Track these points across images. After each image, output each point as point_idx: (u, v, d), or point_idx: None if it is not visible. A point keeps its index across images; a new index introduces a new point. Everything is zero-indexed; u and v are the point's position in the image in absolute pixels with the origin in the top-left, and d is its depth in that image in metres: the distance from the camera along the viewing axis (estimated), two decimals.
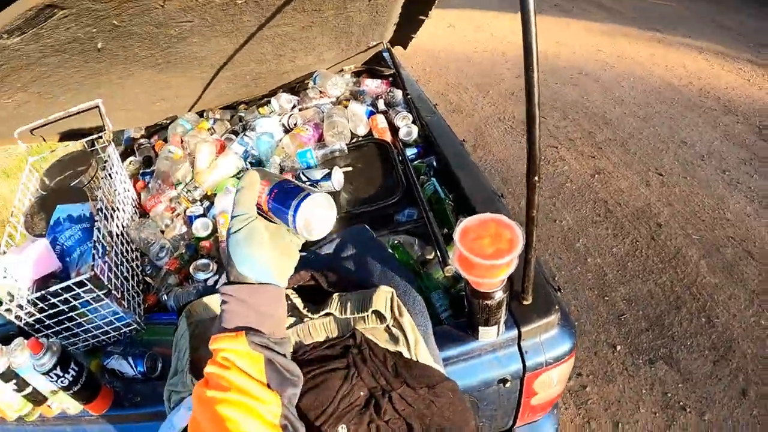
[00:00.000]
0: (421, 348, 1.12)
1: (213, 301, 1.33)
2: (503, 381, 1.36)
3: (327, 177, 1.84)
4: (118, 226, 1.75)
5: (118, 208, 1.82)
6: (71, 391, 1.25)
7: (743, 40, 6.16)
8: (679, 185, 3.99)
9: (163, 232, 1.97)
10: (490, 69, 6.04)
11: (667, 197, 3.88)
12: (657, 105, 5.06)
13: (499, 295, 1.13)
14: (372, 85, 2.60)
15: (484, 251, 1.02)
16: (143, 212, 2.13)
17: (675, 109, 4.98)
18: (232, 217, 0.78)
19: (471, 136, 4.83)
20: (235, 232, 0.76)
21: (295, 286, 1.32)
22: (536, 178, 1.01)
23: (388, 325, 1.13)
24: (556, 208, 3.88)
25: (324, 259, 1.40)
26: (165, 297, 1.68)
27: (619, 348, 2.85)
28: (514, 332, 1.33)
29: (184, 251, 1.84)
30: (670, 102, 5.09)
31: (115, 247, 1.61)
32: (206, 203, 2.06)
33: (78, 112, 1.88)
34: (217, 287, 0.73)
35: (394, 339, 1.11)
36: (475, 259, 1.01)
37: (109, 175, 1.85)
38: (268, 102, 2.59)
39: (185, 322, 1.26)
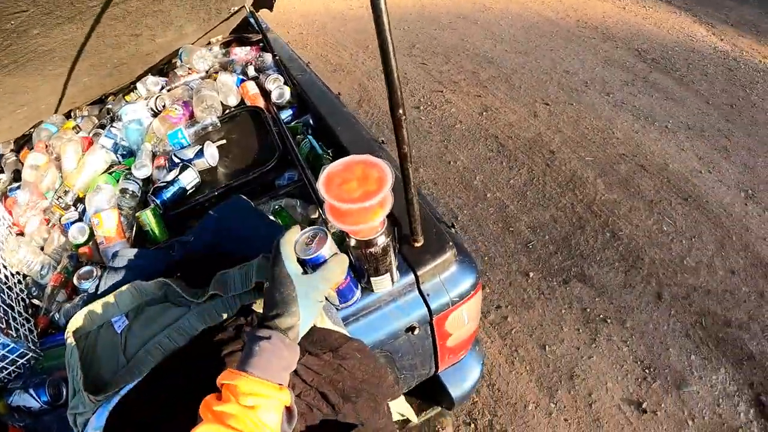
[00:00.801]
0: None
1: (97, 309, 1.25)
2: (411, 329, 1.33)
3: (200, 154, 1.75)
4: None
5: None
6: None
7: None
8: (567, 112, 4.15)
9: (42, 247, 1.83)
10: (367, 23, 5.87)
11: (556, 125, 4.02)
12: (536, 39, 5.21)
13: (382, 240, 1.07)
14: (241, 53, 2.50)
15: (352, 195, 0.95)
16: (19, 231, 1.95)
17: (555, 41, 5.16)
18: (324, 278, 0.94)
19: (355, 92, 4.80)
20: (315, 293, 0.91)
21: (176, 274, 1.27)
22: (401, 111, 0.97)
23: None
24: (449, 150, 3.93)
25: (203, 240, 1.34)
26: (57, 316, 1.56)
27: (532, 275, 2.95)
28: (411, 277, 1.29)
29: (67, 263, 1.70)
30: (549, 35, 5.25)
31: None
32: (81, 206, 1.91)
33: None
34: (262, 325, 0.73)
35: None
36: (343, 206, 0.94)
37: None
38: (135, 88, 2.44)
39: (72, 338, 1.19)
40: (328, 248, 0.98)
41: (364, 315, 1.28)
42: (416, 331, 1.33)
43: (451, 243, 1.32)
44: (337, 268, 0.94)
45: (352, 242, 1.08)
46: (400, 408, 1.38)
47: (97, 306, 1.25)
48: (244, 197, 1.42)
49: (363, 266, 1.16)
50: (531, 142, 3.89)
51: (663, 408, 2.37)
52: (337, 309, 1.20)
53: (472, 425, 2.40)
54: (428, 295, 1.31)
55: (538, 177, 3.57)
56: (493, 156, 3.81)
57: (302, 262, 0.97)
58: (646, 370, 2.50)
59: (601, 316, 2.73)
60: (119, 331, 1.22)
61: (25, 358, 1.40)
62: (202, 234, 1.36)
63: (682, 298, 2.77)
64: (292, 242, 0.93)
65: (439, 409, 1.84)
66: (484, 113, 4.27)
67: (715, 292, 2.79)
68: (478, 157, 3.82)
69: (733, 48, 4.85)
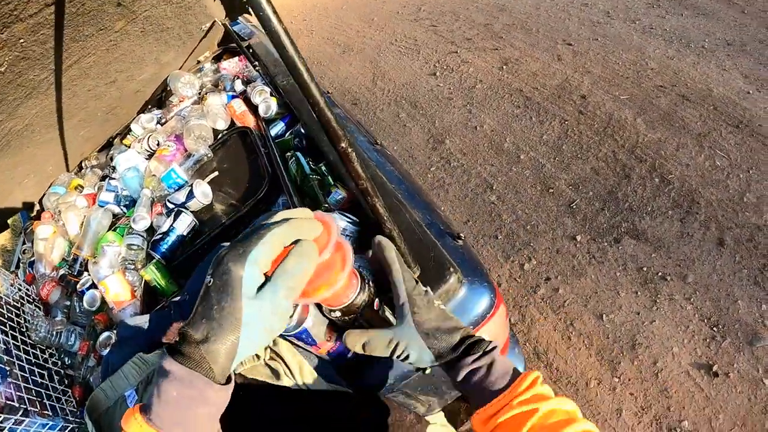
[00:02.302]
0: (307, 373, 1.00)
1: (109, 386, 1.21)
2: (422, 369, 1.18)
3: (190, 195, 1.66)
4: (14, 338, 1.60)
5: (11, 318, 1.67)
6: None
7: None
8: (592, 49, 3.88)
9: (68, 316, 1.82)
10: None
11: (583, 65, 3.76)
12: None
13: (362, 298, 0.87)
14: (230, 66, 2.39)
15: None
16: (45, 302, 1.94)
17: None
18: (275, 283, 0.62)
19: (368, 70, 4.65)
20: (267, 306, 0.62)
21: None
22: (343, 144, 0.81)
23: (264, 360, 1.00)
24: (472, 114, 3.73)
25: (196, 296, 1.25)
26: (91, 381, 1.57)
27: (579, 238, 2.75)
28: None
29: (93, 327, 1.70)
30: None
31: (17, 361, 1.49)
32: (92, 271, 1.90)
33: None
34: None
35: (275, 373, 0.99)
36: None
37: None
38: (130, 130, 2.37)
39: (89, 420, 1.16)
40: (313, 317, 0.86)
41: (368, 362, 1.09)
42: (428, 370, 1.17)
43: (452, 267, 1.11)
44: (302, 268, 0.63)
45: (334, 314, 0.90)
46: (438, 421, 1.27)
47: (109, 383, 1.22)
48: (226, 244, 1.32)
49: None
50: (559, 89, 3.64)
51: (735, 368, 2.15)
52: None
53: None
54: None
55: (572, 127, 3.32)
56: (521, 112, 3.58)
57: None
58: (714, 329, 2.28)
59: (660, 273, 2.50)
60: (132, 406, 1.18)
61: (67, 430, 1.40)
62: (195, 290, 1.27)
63: (747, 241, 2.50)
64: (274, 246, 0.62)
65: None
66: (504, 67, 4.03)
67: None
68: (506, 117, 3.60)
69: None
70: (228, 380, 0.62)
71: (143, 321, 1.35)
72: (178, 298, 1.33)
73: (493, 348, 0.77)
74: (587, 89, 3.55)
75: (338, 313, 0.87)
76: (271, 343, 1.00)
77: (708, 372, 2.16)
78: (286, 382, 0.96)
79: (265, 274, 0.62)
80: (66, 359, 1.71)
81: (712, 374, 2.15)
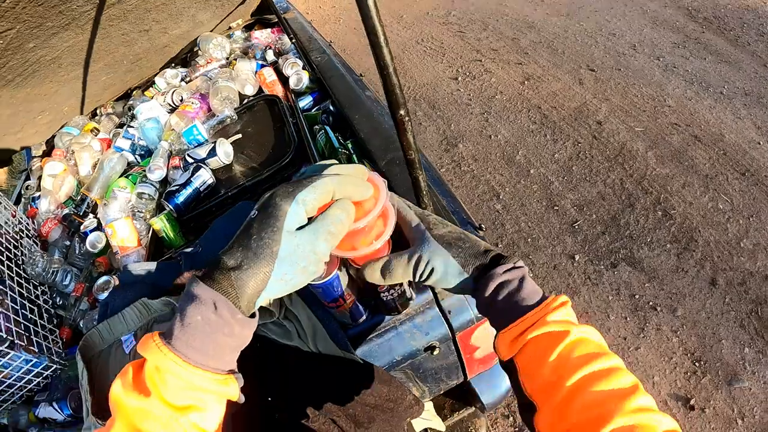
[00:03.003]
0: (320, 337, 1.00)
1: (106, 328, 1.20)
2: (430, 348, 1.20)
3: (212, 153, 1.65)
4: (10, 268, 1.57)
5: (8, 248, 1.64)
6: None
7: None
8: (614, 78, 3.89)
9: (66, 255, 1.80)
10: None
11: (603, 93, 3.77)
12: (579, 0, 4.91)
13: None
14: (261, 36, 2.40)
15: None
16: (43, 239, 1.93)
17: (599, 2, 4.86)
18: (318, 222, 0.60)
19: None
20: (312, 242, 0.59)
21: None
22: (402, 112, 0.81)
23: (278, 318, 1.00)
24: (489, 123, 3.74)
25: (211, 252, 1.25)
26: (81, 324, 1.54)
27: (577, 257, 2.77)
28: (429, 294, 1.15)
29: (90, 270, 1.69)
30: None
31: (9, 292, 1.46)
32: (100, 213, 1.88)
33: None
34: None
35: (288, 334, 0.99)
36: None
37: None
38: (154, 83, 2.37)
39: (81, 359, 1.14)
40: (338, 277, 0.86)
41: (379, 335, 1.14)
42: (436, 351, 1.19)
43: None
44: (343, 221, 0.61)
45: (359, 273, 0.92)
46: (427, 419, 1.28)
47: (106, 325, 1.20)
48: (250, 202, 1.32)
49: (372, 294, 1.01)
50: (576, 112, 3.65)
51: (712, 405, 2.18)
52: (349, 328, 1.08)
53: (511, 418, 2.29)
54: (449, 312, 1.16)
55: (584, 150, 3.34)
56: (537, 128, 3.59)
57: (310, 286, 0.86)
58: (696, 363, 2.31)
59: (651, 303, 2.53)
60: (128, 351, 1.18)
61: (50, 370, 1.41)
62: (210, 244, 1.26)
63: (738, 284, 2.53)
64: (323, 194, 0.60)
65: (473, 409, 1.73)
66: (526, 82, 4.04)
67: None
68: (521, 130, 3.61)
69: None
70: (252, 316, 0.59)
71: (149, 268, 1.34)
72: (190, 249, 1.32)
73: (521, 265, 0.71)
74: (604, 116, 3.56)
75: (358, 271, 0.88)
76: (288, 303, 0.99)
77: (685, 404, 2.19)
78: (297, 342, 0.96)
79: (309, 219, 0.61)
80: (58, 299, 1.68)
81: (689, 407, 2.18)
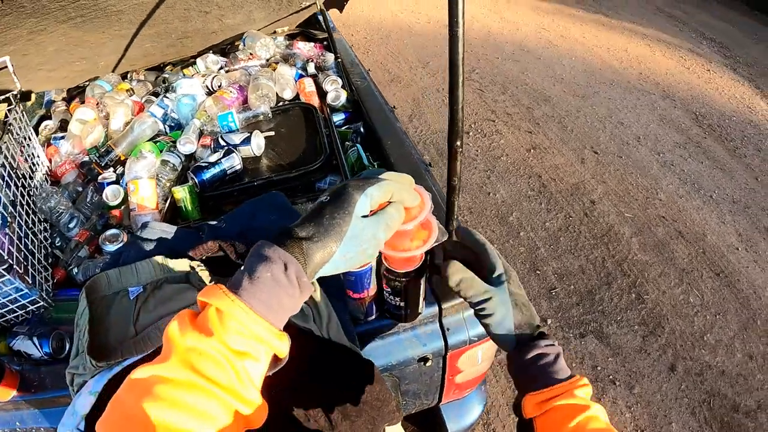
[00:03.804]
0: (333, 325, 1.07)
1: (116, 276, 1.23)
2: (424, 359, 1.30)
3: (246, 141, 1.74)
4: (22, 196, 1.60)
5: (23, 175, 1.67)
6: None
7: (686, 29, 6.37)
8: (614, 164, 4.07)
9: (74, 201, 1.81)
10: (431, 40, 5.98)
11: (601, 175, 3.94)
12: (596, 85, 5.14)
13: (417, 274, 0.97)
14: (304, 48, 2.50)
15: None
16: (55, 180, 1.96)
17: (614, 90, 5.08)
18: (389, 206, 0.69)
19: (408, 106, 4.77)
20: (380, 223, 0.67)
21: (203, 258, 1.24)
22: (458, 143, 0.92)
23: None
24: (490, 181, 3.89)
25: (234, 229, 1.32)
26: (75, 271, 1.55)
27: (549, 321, 2.89)
28: (435, 309, 1.26)
29: (96, 221, 1.70)
30: (609, 83, 5.18)
31: (18, 217, 1.48)
32: (120, 169, 1.92)
33: None
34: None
35: (305, 315, 1.05)
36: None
37: (14, 139, 1.69)
38: (194, 63, 2.46)
39: (85, 299, 1.17)
40: (371, 269, 0.95)
41: (381, 337, 1.25)
42: (428, 363, 1.30)
43: None
44: (398, 217, 0.70)
45: (387, 273, 1.02)
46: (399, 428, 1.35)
47: (117, 272, 1.23)
48: (282, 194, 1.40)
49: (390, 294, 1.11)
50: (573, 188, 3.82)
51: None
52: (355, 324, 1.17)
53: None
54: (448, 329, 1.28)
55: (574, 225, 3.50)
56: (534, 195, 3.75)
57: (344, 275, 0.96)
58: None
59: (611, 377, 2.66)
60: (134, 302, 1.21)
61: (35, 306, 1.40)
62: (235, 222, 1.34)
63: (695, 374, 2.68)
64: (385, 193, 0.69)
65: None
66: (532, 150, 4.21)
67: (729, 374, 2.69)
68: (519, 194, 3.76)
69: None
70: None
71: (169, 230, 1.38)
72: (214, 222, 1.38)
73: (558, 345, 0.83)
74: (598, 197, 3.73)
75: (388, 273, 0.98)
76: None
77: None
78: (311, 326, 1.02)
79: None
80: (57, 239, 1.70)
81: None
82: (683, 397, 2.58)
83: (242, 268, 0.61)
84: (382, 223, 0.68)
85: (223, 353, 0.54)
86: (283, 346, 0.60)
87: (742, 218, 3.65)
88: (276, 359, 0.62)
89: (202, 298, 0.58)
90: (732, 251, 3.38)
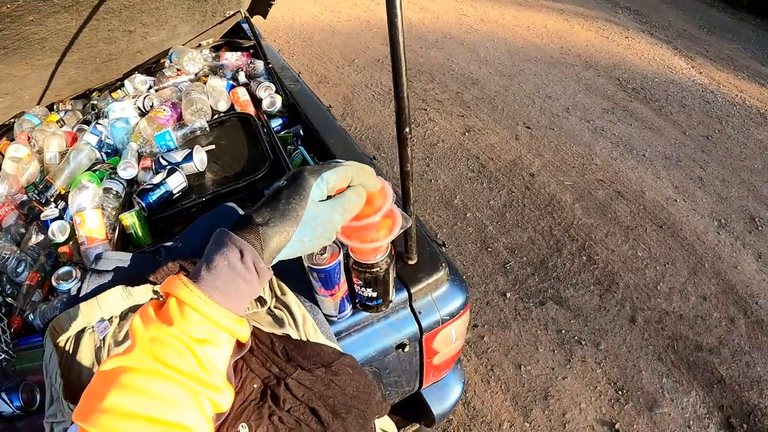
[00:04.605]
0: (309, 326, 1.08)
1: (78, 313, 1.20)
2: (401, 346, 1.34)
3: (188, 158, 1.73)
4: None
5: None
6: None
7: (601, 0, 6.64)
8: (548, 137, 4.22)
9: (19, 243, 1.76)
10: (354, 38, 6.02)
11: (536, 149, 4.08)
12: (521, 64, 5.30)
13: (385, 262, 1.03)
14: (232, 58, 2.49)
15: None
16: None
17: (538, 66, 5.25)
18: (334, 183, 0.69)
19: (339, 105, 4.80)
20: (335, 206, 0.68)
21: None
22: (407, 130, 0.96)
23: (269, 308, 1.08)
24: (430, 168, 3.96)
25: (191, 248, 1.31)
26: (31, 317, 1.50)
27: (508, 295, 2.99)
28: (404, 294, 1.31)
29: (45, 261, 1.65)
30: (533, 60, 5.35)
31: None
32: (61, 204, 1.86)
33: None
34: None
35: (279, 321, 1.06)
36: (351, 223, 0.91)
37: None
38: (122, 85, 2.41)
39: (50, 342, 1.14)
40: (340, 264, 0.98)
41: (357, 330, 1.28)
42: (406, 349, 1.34)
43: (443, 262, 1.34)
44: (356, 202, 0.71)
45: (355, 265, 1.05)
46: (384, 424, 1.37)
47: (78, 309, 1.20)
48: (234, 205, 1.41)
49: (362, 286, 1.13)
50: (511, 164, 3.94)
51: (635, 429, 2.42)
52: (330, 323, 1.20)
53: None
54: (420, 312, 1.33)
55: (517, 199, 3.61)
56: (474, 176, 3.84)
57: (310, 270, 0.98)
58: (619, 392, 2.55)
59: (576, 338, 2.77)
60: (102, 337, 1.18)
61: None
62: (191, 241, 1.33)
63: (655, 323, 2.83)
64: (342, 177, 0.70)
65: (418, 426, 1.85)
66: (467, 134, 4.30)
67: (687, 318, 2.86)
68: (459, 177, 3.85)
69: (710, 81, 5.00)
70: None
71: (124, 258, 1.36)
72: (170, 244, 1.37)
73: None
74: (536, 169, 3.86)
75: (357, 266, 1.01)
76: (279, 292, 1.09)
77: (611, 429, 2.42)
78: (287, 330, 1.03)
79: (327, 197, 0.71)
80: (7, 287, 1.63)
81: (615, 431, 2.40)
82: (647, 346, 2.73)
83: (202, 257, 0.63)
84: (338, 206, 0.69)
85: (184, 341, 0.56)
86: (243, 331, 0.62)
87: (675, 171, 3.87)
88: (240, 345, 0.65)
89: (163, 289, 0.60)
90: (671, 203, 3.58)
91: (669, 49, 5.54)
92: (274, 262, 0.67)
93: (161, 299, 0.62)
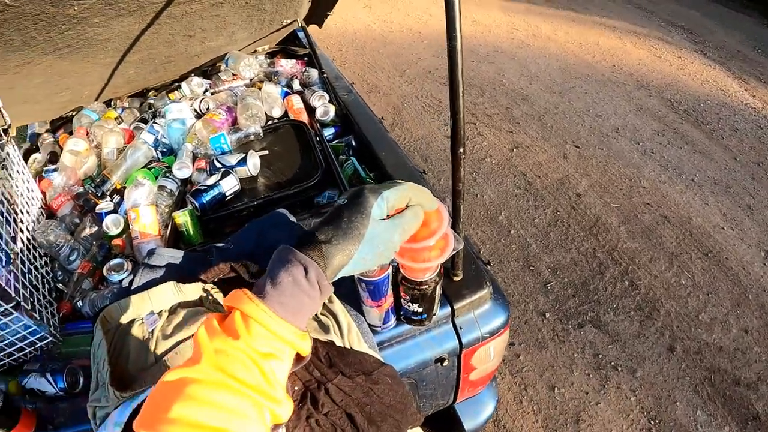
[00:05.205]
0: (354, 335, 1.09)
1: (129, 304, 1.23)
2: (440, 360, 1.35)
3: (242, 162, 1.77)
4: (22, 231, 1.59)
5: (21, 210, 1.66)
6: None
7: (655, 18, 6.49)
8: (596, 156, 4.14)
9: (72, 233, 1.81)
10: (406, 48, 6.01)
11: (584, 168, 4.01)
12: (572, 81, 5.21)
13: (431, 281, 1.05)
14: (287, 65, 2.53)
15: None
16: (50, 213, 1.96)
17: (589, 84, 5.15)
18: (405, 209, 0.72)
19: (389, 115, 4.80)
20: (399, 224, 0.71)
21: (215, 280, 1.25)
22: (461, 150, 0.97)
23: (316, 314, 1.09)
24: (477, 183, 3.94)
25: (242, 250, 1.33)
26: (80, 303, 1.55)
27: (548, 315, 2.94)
28: (447, 309, 1.32)
29: (96, 252, 1.71)
30: (584, 78, 5.26)
31: (20, 254, 1.46)
32: (116, 198, 1.92)
33: None
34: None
35: (324, 327, 1.07)
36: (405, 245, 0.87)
37: (9, 175, 1.68)
38: (179, 87, 2.47)
39: (101, 330, 1.17)
40: (389, 277, 0.99)
41: (399, 342, 1.30)
42: (445, 363, 1.35)
43: (488, 281, 1.35)
44: (415, 222, 0.73)
45: (404, 281, 1.06)
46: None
47: (130, 301, 1.23)
48: (286, 212, 1.43)
49: (409, 301, 1.14)
50: (558, 183, 3.89)
51: None
52: (374, 332, 1.21)
53: None
54: (461, 328, 1.34)
55: (562, 219, 3.56)
56: (520, 193, 3.81)
57: (359, 281, 0.99)
58: (652, 422, 2.48)
59: (612, 363, 2.71)
60: (150, 330, 1.21)
61: (44, 342, 1.39)
62: (242, 243, 1.35)
63: (694, 353, 2.75)
64: (402, 197, 0.72)
65: None
66: (515, 150, 4.26)
67: (726, 350, 2.77)
68: (505, 193, 3.82)
69: (764, 105, 4.82)
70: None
71: (177, 255, 1.38)
72: (221, 244, 1.39)
73: None
74: (583, 189, 3.80)
75: (406, 282, 1.02)
76: (327, 300, 1.10)
77: None
78: (331, 337, 1.04)
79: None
80: (59, 273, 1.69)
81: None
82: (684, 376, 2.65)
83: (266, 272, 0.64)
84: (398, 227, 0.71)
85: (250, 355, 0.57)
86: (305, 345, 0.63)
87: (724, 198, 3.74)
88: (299, 357, 0.65)
89: (228, 303, 0.61)
90: (718, 231, 3.46)
91: (722, 71, 5.37)
92: (335, 279, 0.68)
93: (217, 306, 0.64)
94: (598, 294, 3.06)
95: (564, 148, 4.26)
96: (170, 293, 1.24)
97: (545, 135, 4.42)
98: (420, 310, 1.11)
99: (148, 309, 1.23)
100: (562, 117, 4.65)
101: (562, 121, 4.59)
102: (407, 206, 0.73)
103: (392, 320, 1.22)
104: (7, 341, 1.30)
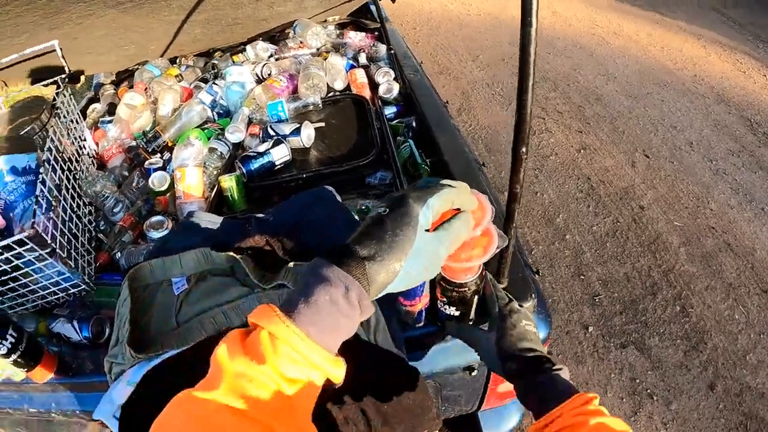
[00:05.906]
0: (381, 330, 1.04)
1: (160, 265, 1.23)
2: (470, 368, 1.26)
3: (296, 132, 1.70)
4: (68, 179, 1.58)
5: (70, 158, 1.66)
6: (10, 359, 1.12)
7: (744, 31, 6.11)
8: (665, 169, 3.92)
9: (120, 185, 1.81)
10: (481, 33, 5.85)
11: (651, 180, 3.80)
12: (650, 86, 4.97)
13: (473, 284, 0.96)
14: (355, 38, 2.45)
15: None
16: (101, 164, 1.97)
17: (668, 92, 4.89)
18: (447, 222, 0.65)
19: (456, 100, 4.67)
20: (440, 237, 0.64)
21: (248, 251, 1.21)
22: (524, 150, 0.86)
23: None
24: (538, 180, 3.78)
25: (282, 223, 1.28)
26: (118, 255, 1.54)
27: (591, 329, 2.79)
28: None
29: (141, 206, 1.70)
30: (663, 84, 5.00)
31: (62, 201, 1.46)
32: (167, 155, 1.90)
33: (34, 56, 1.73)
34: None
35: None
36: None
37: (61, 122, 1.68)
38: (244, 50, 2.44)
39: (127, 288, 1.17)
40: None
41: (428, 344, 1.21)
42: (474, 373, 1.26)
43: (534, 293, 1.23)
44: (465, 232, 0.66)
45: (443, 281, 0.97)
46: None
47: (161, 262, 1.23)
48: (332, 190, 1.36)
49: (445, 304, 1.05)
50: (623, 191, 3.69)
51: None
52: (403, 331, 1.13)
53: None
54: None
55: (622, 230, 3.38)
56: (582, 197, 3.64)
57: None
58: None
59: (649, 390, 2.55)
60: (177, 294, 1.20)
61: (77, 289, 1.41)
62: (283, 216, 1.30)
63: (734, 395, 2.55)
64: (446, 202, 0.64)
65: None
66: (582, 151, 4.08)
67: None
68: (567, 195, 3.65)
69: None
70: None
71: (215, 220, 1.36)
72: (261, 215, 1.35)
73: (557, 369, 0.83)
74: (647, 202, 3.60)
75: (444, 282, 0.93)
76: None
77: None
78: (357, 330, 0.99)
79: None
80: (102, 223, 1.70)
81: None
82: (720, 418, 2.46)
83: (297, 287, 0.57)
84: (444, 239, 0.64)
85: (275, 380, 0.51)
86: (338, 372, 0.56)
87: None
88: (328, 382, 0.58)
89: (253, 319, 0.54)
90: None
91: None
92: (378, 297, 0.61)
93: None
94: (647, 315, 2.88)
95: (633, 155, 4.05)
96: (201, 259, 1.23)
97: (615, 140, 4.22)
98: (456, 313, 1.02)
99: (178, 272, 1.23)
100: (635, 123, 4.43)
101: (635, 128, 4.37)
102: (453, 216, 0.66)
103: (424, 320, 1.15)
104: (40, 284, 1.32)
